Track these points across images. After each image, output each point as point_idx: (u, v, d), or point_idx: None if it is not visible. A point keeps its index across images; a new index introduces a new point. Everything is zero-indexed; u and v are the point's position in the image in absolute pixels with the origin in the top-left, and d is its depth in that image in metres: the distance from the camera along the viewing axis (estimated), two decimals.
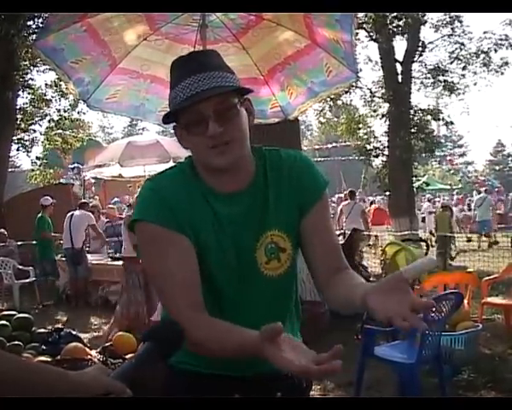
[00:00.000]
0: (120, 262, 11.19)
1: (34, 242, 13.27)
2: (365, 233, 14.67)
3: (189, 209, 1.90)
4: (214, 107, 1.78)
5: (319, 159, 38.86)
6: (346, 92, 19.79)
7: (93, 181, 20.80)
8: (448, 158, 39.26)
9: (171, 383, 2.06)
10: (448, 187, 37.48)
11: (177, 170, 2.01)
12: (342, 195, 22.55)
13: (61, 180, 22.58)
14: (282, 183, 1.97)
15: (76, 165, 21.24)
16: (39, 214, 12.89)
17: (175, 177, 1.97)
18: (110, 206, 16.46)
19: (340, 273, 1.92)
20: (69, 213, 12.41)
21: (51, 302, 12.25)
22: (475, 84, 21.91)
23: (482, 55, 21.04)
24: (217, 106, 1.79)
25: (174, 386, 2.05)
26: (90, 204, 14.65)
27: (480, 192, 25.03)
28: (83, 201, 14.01)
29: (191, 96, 1.79)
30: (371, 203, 24.13)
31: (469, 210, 24.93)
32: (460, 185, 37.97)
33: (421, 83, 21.62)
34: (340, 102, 22.11)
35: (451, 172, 50.62)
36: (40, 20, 16.75)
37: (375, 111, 21.30)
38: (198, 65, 1.81)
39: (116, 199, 20.82)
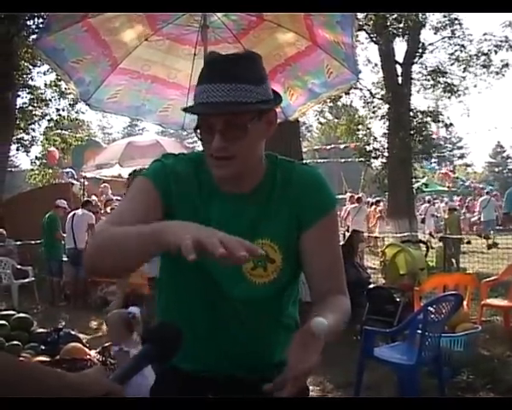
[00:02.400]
0: None
1: (40, 241, 13.15)
2: (365, 234, 14.79)
3: (185, 195, 1.92)
4: (223, 121, 1.77)
5: (319, 160, 38.87)
6: (346, 94, 19.86)
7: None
8: (443, 171, 39.24)
9: (163, 382, 2.06)
10: (447, 189, 37.47)
11: (192, 157, 2.02)
12: (346, 196, 22.60)
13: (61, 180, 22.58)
14: (287, 195, 1.94)
15: (70, 170, 21.18)
16: (50, 213, 12.76)
17: (187, 162, 1.99)
18: (111, 207, 16.33)
19: (327, 297, 1.90)
20: (71, 213, 12.31)
21: (64, 303, 12.23)
22: (475, 86, 21.99)
23: (482, 57, 21.07)
24: (226, 121, 1.77)
25: (165, 385, 2.05)
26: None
27: (481, 195, 25.63)
28: (86, 199, 13.93)
29: (204, 103, 1.77)
30: (373, 204, 24.05)
31: (469, 212, 25.00)
32: (459, 190, 37.91)
33: (421, 85, 21.71)
34: (340, 104, 22.15)
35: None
36: (40, 20, 16.75)
37: (374, 112, 21.37)
38: (222, 72, 1.78)
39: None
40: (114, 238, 1.71)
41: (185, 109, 1.96)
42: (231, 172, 1.83)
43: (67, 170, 21.60)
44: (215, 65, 1.83)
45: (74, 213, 12.20)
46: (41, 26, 15.84)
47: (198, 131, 1.86)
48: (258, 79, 1.83)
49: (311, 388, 5.93)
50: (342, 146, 28.68)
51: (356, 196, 20.16)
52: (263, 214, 1.93)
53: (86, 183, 17.91)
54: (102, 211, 14.31)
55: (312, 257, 1.95)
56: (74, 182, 18.96)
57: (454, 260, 15.15)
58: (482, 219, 22.56)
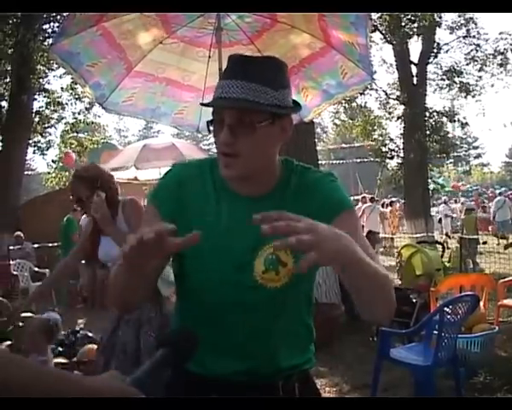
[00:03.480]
0: None
1: (57, 244, 13.19)
2: (380, 235, 14.78)
3: (194, 203, 1.93)
4: (235, 117, 1.78)
5: (334, 161, 38.84)
6: (361, 94, 19.81)
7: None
8: (453, 183, 39.22)
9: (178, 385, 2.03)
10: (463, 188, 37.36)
11: (204, 163, 2.03)
12: (359, 197, 22.65)
13: None
14: (301, 198, 1.93)
15: None
16: (68, 216, 12.82)
17: (198, 168, 2.00)
18: None
19: None
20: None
21: (81, 306, 12.28)
22: (492, 85, 21.85)
23: (499, 57, 20.94)
24: (237, 117, 1.79)
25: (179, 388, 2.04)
26: None
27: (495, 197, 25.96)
28: None
29: (220, 98, 1.81)
30: (388, 205, 24.04)
31: (484, 213, 24.93)
32: (476, 187, 37.77)
33: (437, 84, 21.61)
34: (355, 105, 22.09)
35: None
36: (56, 25, 16.87)
37: (390, 113, 21.30)
38: (242, 70, 1.81)
39: None
40: (114, 277, 1.84)
41: (202, 104, 1.99)
42: (236, 172, 1.84)
43: None
44: (236, 63, 1.86)
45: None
46: (56, 30, 15.95)
47: (211, 126, 1.88)
48: (277, 84, 1.84)
49: (327, 389, 5.95)
50: (357, 146, 28.68)
51: (369, 196, 20.71)
52: None
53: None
54: None
55: None
56: None
57: (470, 261, 15.08)
58: (497, 220, 22.65)
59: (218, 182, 1.95)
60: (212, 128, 1.88)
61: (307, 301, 2.07)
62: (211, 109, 1.88)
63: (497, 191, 28.85)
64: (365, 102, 22.73)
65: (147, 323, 3.98)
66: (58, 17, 16.80)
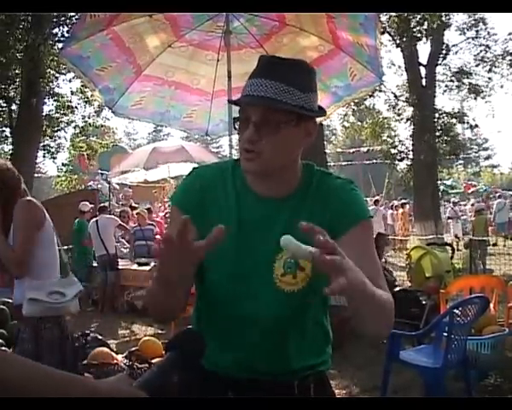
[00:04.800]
0: (147, 267, 11.21)
1: (67, 247, 13.18)
2: (390, 237, 14.77)
3: (215, 204, 1.95)
4: (260, 115, 1.81)
5: (343, 163, 38.78)
6: (370, 96, 19.76)
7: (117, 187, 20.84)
8: (464, 184, 39.18)
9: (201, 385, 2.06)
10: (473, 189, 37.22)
11: (225, 165, 2.06)
12: (373, 199, 22.78)
13: (90, 183, 22.76)
14: (320, 204, 1.95)
15: (104, 171, 21.33)
16: (78, 220, 12.85)
17: (218, 171, 2.02)
18: (141, 210, 16.25)
19: None
20: (93, 220, 12.18)
21: (91, 309, 12.28)
22: (502, 86, 21.79)
23: (508, 57, 20.88)
24: (262, 115, 1.81)
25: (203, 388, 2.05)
26: (119, 210, 14.58)
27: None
28: (101, 205, 13.83)
29: (247, 96, 1.84)
30: (398, 207, 24.08)
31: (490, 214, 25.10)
32: (484, 188, 37.66)
33: (446, 86, 21.54)
34: (363, 107, 22.07)
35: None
36: (65, 29, 16.93)
37: (399, 115, 21.25)
38: (271, 70, 1.84)
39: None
40: (149, 290, 1.89)
41: (230, 101, 2.00)
42: (256, 168, 1.86)
43: (100, 171, 21.74)
44: (266, 63, 1.89)
45: (97, 220, 12.07)
46: (66, 34, 16.02)
47: (237, 123, 1.90)
48: (304, 86, 1.85)
49: (337, 391, 5.93)
50: (366, 149, 28.63)
51: (373, 199, 21.34)
52: (295, 221, 1.91)
53: (117, 187, 18.03)
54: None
55: None
56: (106, 184, 19.07)
57: (480, 262, 15.04)
58: (497, 221, 23.62)
59: (239, 183, 1.97)
60: (237, 126, 1.89)
61: (323, 303, 2.08)
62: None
63: (497, 194, 29.14)
64: (373, 105, 22.74)
65: None
66: (68, 21, 16.88)
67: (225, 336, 1.96)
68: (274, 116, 1.81)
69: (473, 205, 25.42)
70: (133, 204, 18.45)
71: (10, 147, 18.07)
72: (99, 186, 20.98)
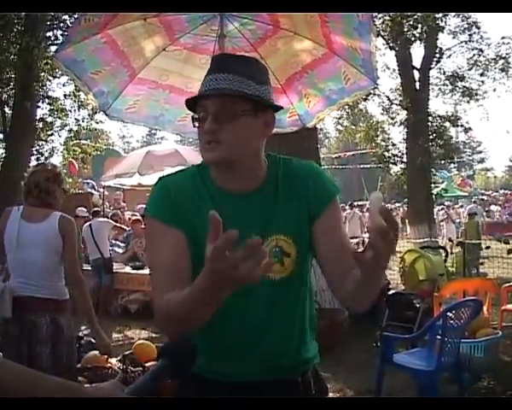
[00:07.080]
0: (142, 271, 11.19)
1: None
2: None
3: (193, 207, 1.96)
4: (217, 106, 1.85)
5: (337, 166, 38.80)
6: (364, 100, 19.81)
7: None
8: (459, 179, 39.36)
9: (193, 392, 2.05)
10: (466, 194, 37.29)
11: (190, 170, 2.08)
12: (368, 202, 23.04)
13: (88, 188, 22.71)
14: (292, 190, 2.01)
15: (90, 181, 21.27)
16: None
17: (185, 176, 2.05)
18: (133, 213, 16.16)
19: (352, 271, 1.84)
20: (86, 224, 12.03)
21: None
22: (494, 90, 21.86)
23: (501, 61, 20.96)
24: (219, 106, 1.85)
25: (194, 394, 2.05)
26: (110, 214, 14.51)
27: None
28: (95, 209, 13.76)
29: (204, 91, 1.90)
30: (392, 210, 24.19)
31: (488, 217, 25.08)
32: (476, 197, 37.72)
33: (439, 89, 21.62)
34: (357, 110, 22.12)
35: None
36: (59, 32, 16.93)
37: (393, 118, 21.31)
38: (225, 65, 1.90)
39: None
40: (178, 307, 1.70)
41: (188, 99, 1.99)
42: (217, 157, 1.88)
43: (88, 181, 21.70)
44: (219, 60, 1.99)
45: (90, 224, 11.97)
46: (60, 37, 16.03)
47: (194, 123, 1.95)
48: (258, 79, 1.93)
49: (331, 395, 5.95)
50: (360, 152, 28.70)
51: (349, 203, 22.44)
52: (272, 210, 1.98)
53: (106, 192, 17.97)
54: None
55: (330, 237, 2.00)
56: (94, 192, 19.01)
57: (474, 266, 15.05)
58: None
59: (209, 184, 2.00)
60: (197, 124, 1.93)
61: (310, 294, 2.13)
62: None
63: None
64: (366, 108, 22.81)
65: None
66: (62, 24, 16.88)
67: (221, 337, 1.98)
68: (231, 105, 1.86)
69: (462, 206, 25.55)
70: (125, 208, 18.38)
71: (3, 151, 18.00)
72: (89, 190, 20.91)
